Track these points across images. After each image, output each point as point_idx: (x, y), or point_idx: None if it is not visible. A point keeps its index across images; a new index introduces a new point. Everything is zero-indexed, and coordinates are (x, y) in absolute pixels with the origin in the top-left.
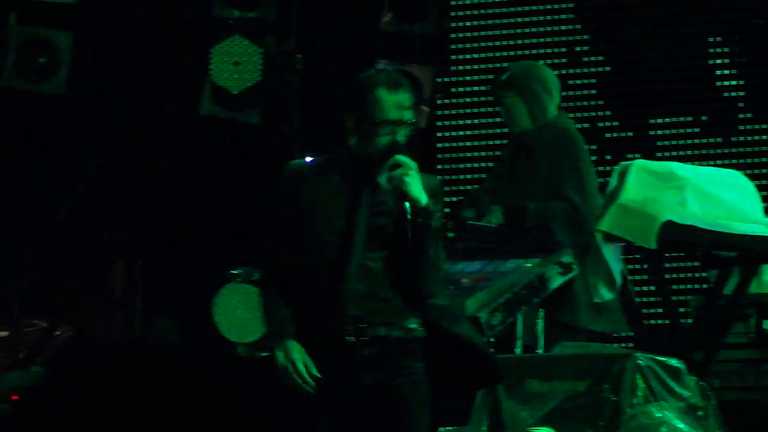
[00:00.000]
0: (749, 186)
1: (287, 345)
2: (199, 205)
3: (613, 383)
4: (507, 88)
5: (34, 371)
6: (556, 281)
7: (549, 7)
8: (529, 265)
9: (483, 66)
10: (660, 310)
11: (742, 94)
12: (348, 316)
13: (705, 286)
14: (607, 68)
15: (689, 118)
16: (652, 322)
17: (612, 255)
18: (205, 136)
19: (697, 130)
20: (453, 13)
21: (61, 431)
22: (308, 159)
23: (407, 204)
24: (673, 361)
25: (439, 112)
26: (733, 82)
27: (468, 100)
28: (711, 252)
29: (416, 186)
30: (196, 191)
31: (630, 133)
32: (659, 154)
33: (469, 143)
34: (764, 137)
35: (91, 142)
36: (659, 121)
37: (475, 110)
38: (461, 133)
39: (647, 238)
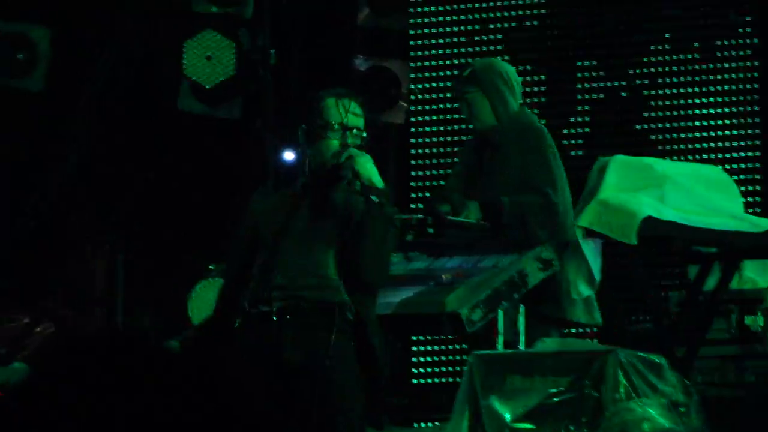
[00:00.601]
0: (729, 181)
1: None
2: (177, 199)
3: (595, 379)
4: (469, 83)
5: (15, 367)
6: (536, 277)
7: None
8: (508, 260)
9: (449, 62)
10: (641, 307)
11: (721, 88)
12: (276, 285)
13: (686, 281)
14: (587, 62)
15: (669, 113)
16: (633, 318)
17: (591, 251)
18: (185, 130)
19: (675, 125)
20: (419, 9)
21: (47, 428)
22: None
23: (357, 182)
24: (655, 357)
25: (412, 108)
26: (711, 77)
27: (439, 95)
28: (691, 248)
29: (372, 170)
30: (176, 185)
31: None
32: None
33: (442, 138)
34: (743, 132)
35: (70, 137)
36: (638, 115)
37: (447, 105)
38: (434, 128)
39: (627, 234)
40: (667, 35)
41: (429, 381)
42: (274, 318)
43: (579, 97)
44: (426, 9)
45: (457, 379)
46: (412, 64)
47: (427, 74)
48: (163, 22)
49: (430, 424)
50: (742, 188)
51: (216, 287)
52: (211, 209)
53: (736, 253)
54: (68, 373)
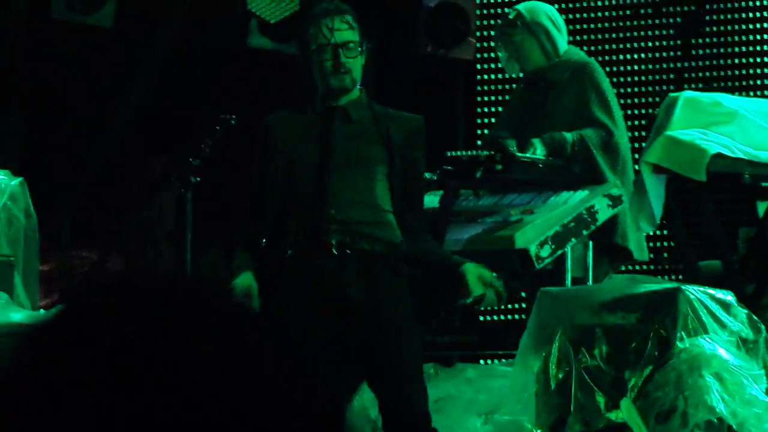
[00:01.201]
0: None
1: (241, 276)
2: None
3: (663, 316)
4: (515, 26)
5: None
6: (605, 213)
7: None
8: (578, 197)
9: None
10: (710, 243)
11: None
12: (331, 219)
13: (754, 218)
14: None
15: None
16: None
17: (655, 188)
18: (252, 67)
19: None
20: None
21: (66, 378)
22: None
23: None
24: (723, 294)
25: (477, 45)
26: None
27: None
28: (760, 184)
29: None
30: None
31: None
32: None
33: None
34: None
35: (138, 75)
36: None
37: None
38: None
39: (696, 169)
40: None
41: (499, 318)
42: (335, 252)
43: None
44: None
45: (524, 317)
46: (478, 1)
47: (492, 11)
48: None
49: (497, 362)
50: None
51: None
52: None
53: None
54: (101, 317)
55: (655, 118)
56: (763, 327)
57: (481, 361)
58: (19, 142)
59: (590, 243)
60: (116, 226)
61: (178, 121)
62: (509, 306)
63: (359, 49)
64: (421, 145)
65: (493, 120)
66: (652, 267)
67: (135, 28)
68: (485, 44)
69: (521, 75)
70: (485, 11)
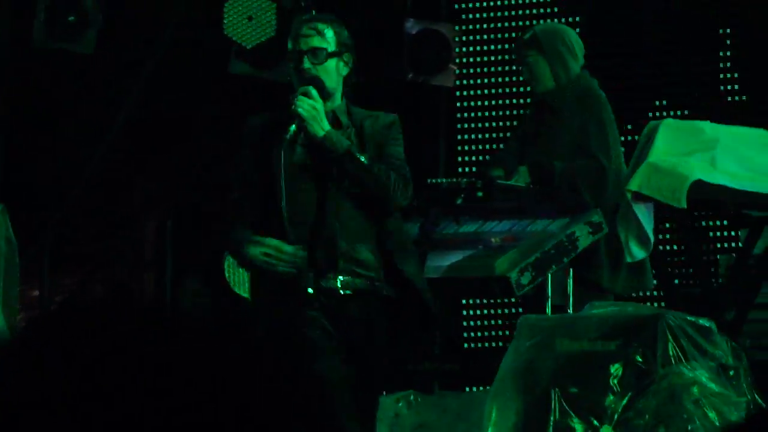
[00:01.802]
0: None
1: (254, 241)
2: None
3: (644, 343)
4: (530, 46)
5: None
6: (586, 241)
7: None
8: (558, 224)
9: (500, 24)
10: (690, 270)
11: None
12: (341, 252)
13: (735, 245)
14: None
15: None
16: (683, 281)
17: (645, 214)
18: (233, 92)
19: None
20: None
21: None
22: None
23: (291, 127)
24: (704, 321)
25: (457, 71)
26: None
27: (487, 59)
28: (741, 211)
29: (314, 120)
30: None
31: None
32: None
33: (487, 102)
34: None
35: (120, 100)
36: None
37: (496, 69)
38: (480, 92)
39: (677, 197)
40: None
41: (480, 345)
42: (341, 292)
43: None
44: None
45: (508, 344)
46: (456, 27)
47: (471, 38)
48: None
49: (478, 389)
50: None
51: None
52: None
53: None
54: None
55: (636, 144)
56: (743, 354)
57: (462, 389)
58: None
59: (570, 270)
60: (97, 252)
61: (162, 149)
62: (492, 333)
63: (326, 54)
64: (397, 140)
65: (473, 147)
66: (633, 294)
67: (117, 55)
68: (464, 71)
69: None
70: (464, 38)
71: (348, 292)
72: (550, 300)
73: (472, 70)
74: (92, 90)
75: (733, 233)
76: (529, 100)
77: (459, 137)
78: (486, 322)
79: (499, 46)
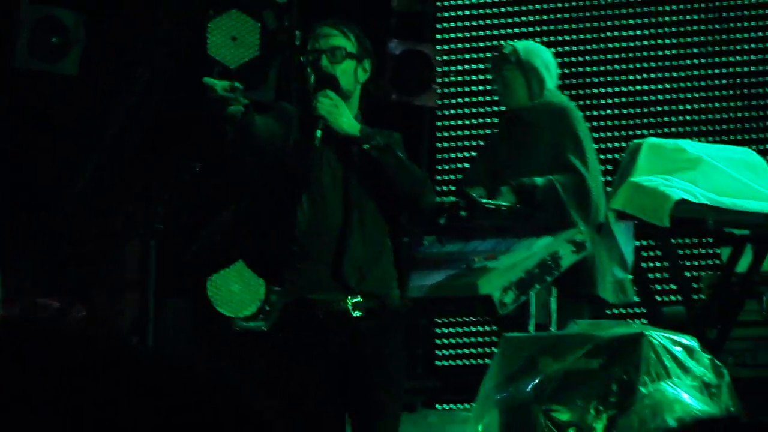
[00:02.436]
0: (761, 163)
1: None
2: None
3: (626, 361)
4: (508, 60)
5: None
6: (569, 259)
7: None
8: (541, 243)
9: (480, 44)
10: (673, 288)
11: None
12: (358, 268)
13: (718, 263)
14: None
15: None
16: (665, 299)
17: (623, 234)
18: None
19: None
20: None
21: None
22: None
23: (317, 132)
24: (687, 339)
25: (438, 90)
26: (740, 58)
27: (469, 78)
28: (723, 230)
29: (340, 117)
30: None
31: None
32: (667, 130)
33: (468, 121)
34: None
35: (104, 122)
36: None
37: (478, 89)
38: (461, 111)
39: (660, 216)
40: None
41: (457, 363)
42: (354, 314)
43: (613, 78)
44: None
45: (486, 361)
46: (439, 47)
47: (454, 57)
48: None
49: (460, 406)
50: None
51: (235, 269)
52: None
53: None
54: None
55: (619, 164)
56: (725, 371)
57: (444, 407)
58: None
59: (553, 289)
60: (80, 273)
61: (147, 169)
62: (469, 351)
63: (344, 53)
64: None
65: (455, 166)
66: (616, 311)
67: (101, 76)
68: (446, 90)
69: (503, 109)
70: (445, 57)
71: (359, 313)
72: (533, 318)
73: (453, 89)
74: (75, 114)
75: (716, 251)
76: None
77: (440, 156)
78: (463, 340)
79: (482, 65)
